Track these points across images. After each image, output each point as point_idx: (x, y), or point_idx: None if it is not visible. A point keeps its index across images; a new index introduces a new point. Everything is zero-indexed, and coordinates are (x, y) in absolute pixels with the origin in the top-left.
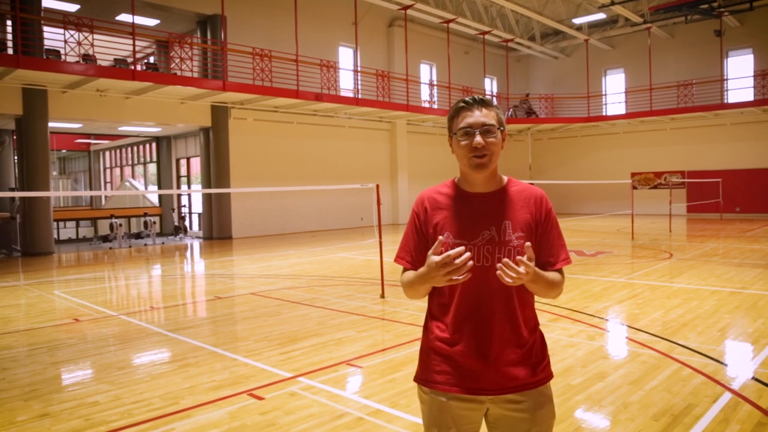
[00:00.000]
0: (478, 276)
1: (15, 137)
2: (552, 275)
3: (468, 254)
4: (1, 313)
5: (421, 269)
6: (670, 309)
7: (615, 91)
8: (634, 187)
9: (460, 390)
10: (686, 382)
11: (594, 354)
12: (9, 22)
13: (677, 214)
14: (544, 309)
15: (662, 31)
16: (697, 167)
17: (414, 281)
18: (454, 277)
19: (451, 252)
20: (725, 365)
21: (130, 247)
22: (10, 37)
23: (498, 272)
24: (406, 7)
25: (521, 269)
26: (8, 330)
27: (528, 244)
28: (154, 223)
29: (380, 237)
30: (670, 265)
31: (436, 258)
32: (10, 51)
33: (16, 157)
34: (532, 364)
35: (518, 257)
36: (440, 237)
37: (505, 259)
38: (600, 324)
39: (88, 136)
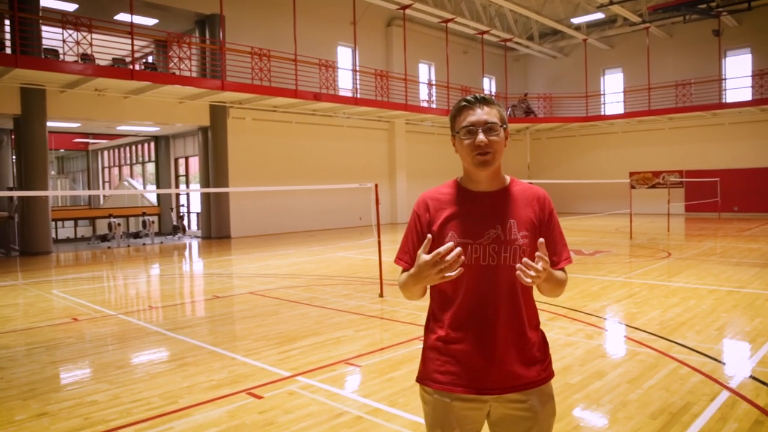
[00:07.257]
0: (484, 275)
1: (13, 137)
2: (559, 274)
3: (459, 249)
4: (0, 313)
5: (413, 269)
6: (668, 308)
7: (613, 90)
8: (633, 187)
9: (464, 390)
10: (684, 380)
11: (592, 353)
12: (7, 22)
13: (675, 213)
14: (542, 308)
15: (661, 30)
16: (695, 167)
17: (407, 281)
18: (446, 275)
19: (441, 249)
20: (723, 364)
21: (128, 246)
22: (8, 36)
23: (517, 272)
24: (404, 7)
25: (539, 266)
26: (6, 329)
27: (542, 240)
28: (153, 222)
29: (379, 236)
30: (668, 264)
31: (426, 257)
32: (8, 50)
33: (14, 157)
34: (536, 363)
35: (538, 254)
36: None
37: (525, 259)
38: (598, 323)
39: (86, 135)
